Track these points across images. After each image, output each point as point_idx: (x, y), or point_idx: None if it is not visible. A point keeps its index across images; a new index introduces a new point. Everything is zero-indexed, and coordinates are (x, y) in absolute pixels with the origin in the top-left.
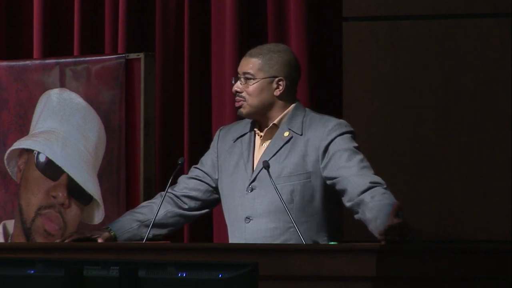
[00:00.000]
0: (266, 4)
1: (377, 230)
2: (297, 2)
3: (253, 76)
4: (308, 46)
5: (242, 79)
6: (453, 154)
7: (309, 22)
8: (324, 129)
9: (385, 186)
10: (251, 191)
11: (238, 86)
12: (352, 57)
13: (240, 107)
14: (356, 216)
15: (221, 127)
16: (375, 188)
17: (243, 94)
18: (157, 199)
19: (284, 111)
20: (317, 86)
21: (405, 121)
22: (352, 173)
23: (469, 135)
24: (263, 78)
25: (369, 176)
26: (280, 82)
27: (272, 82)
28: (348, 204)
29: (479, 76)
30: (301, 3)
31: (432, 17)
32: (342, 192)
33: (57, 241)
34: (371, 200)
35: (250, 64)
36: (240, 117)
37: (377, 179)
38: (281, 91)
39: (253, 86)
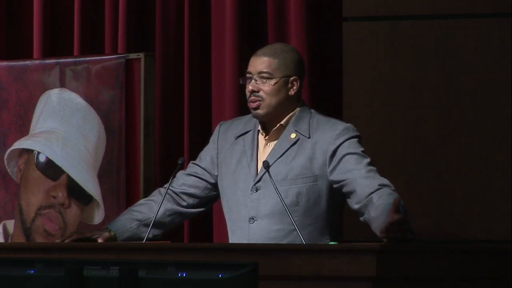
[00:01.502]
0: (266, 4)
1: (379, 228)
2: (297, 2)
3: (271, 75)
4: (308, 46)
5: (257, 79)
6: (453, 154)
7: (309, 22)
8: (332, 133)
9: (393, 188)
10: (256, 191)
11: (253, 85)
12: (352, 57)
13: (257, 108)
14: (361, 218)
15: (221, 122)
16: (383, 189)
17: (260, 93)
18: (155, 196)
19: (291, 112)
20: (317, 86)
21: (405, 121)
22: (360, 175)
23: (469, 135)
24: (281, 77)
25: (378, 179)
26: (294, 82)
27: (287, 81)
28: (356, 206)
29: (479, 76)
30: (301, 3)
31: (432, 17)
32: (350, 194)
33: (57, 241)
34: (377, 200)
35: (266, 63)
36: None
37: (385, 181)
38: (295, 91)
39: (272, 86)
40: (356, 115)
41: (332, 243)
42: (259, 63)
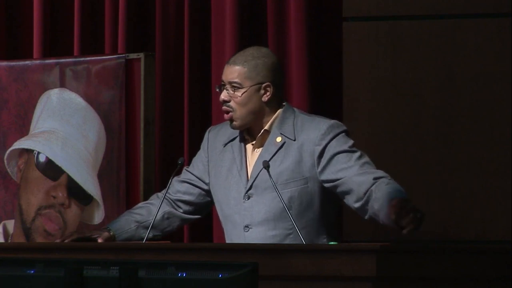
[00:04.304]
0: (266, 4)
1: (387, 217)
2: (297, 2)
3: (240, 85)
4: (308, 46)
5: (228, 88)
6: (453, 154)
7: (309, 22)
8: (317, 132)
9: (389, 178)
10: (248, 199)
11: (225, 95)
12: (352, 57)
13: (231, 120)
14: (366, 216)
15: (210, 128)
16: (379, 181)
17: (231, 103)
18: (153, 200)
19: (273, 115)
20: (317, 86)
21: (405, 121)
22: (354, 173)
23: (469, 135)
24: (250, 86)
25: (372, 173)
26: (268, 88)
27: (259, 89)
28: (357, 205)
29: (479, 76)
30: (301, 3)
31: (432, 17)
32: (345, 194)
33: (57, 241)
34: (376, 193)
35: (235, 72)
36: None
37: (380, 173)
38: (268, 97)
39: (241, 96)
40: (356, 115)
41: (332, 243)
42: (229, 72)
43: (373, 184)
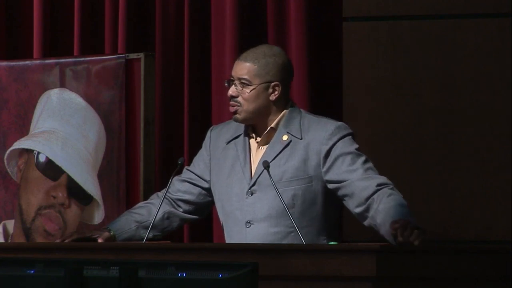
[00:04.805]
0: (266, 4)
1: (388, 235)
2: (297, 1)
3: (250, 82)
4: (308, 46)
5: (237, 84)
6: (453, 154)
7: (309, 22)
8: (324, 133)
9: (391, 186)
10: (251, 195)
11: (233, 90)
12: (352, 57)
13: (235, 112)
14: (365, 223)
15: (212, 127)
16: (382, 190)
17: (239, 99)
18: (153, 200)
19: (280, 114)
20: (317, 86)
21: (405, 121)
22: (357, 177)
23: (469, 135)
24: (259, 84)
25: (375, 178)
26: (276, 87)
27: (268, 87)
28: (357, 210)
29: (479, 76)
30: (301, 2)
31: (432, 17)
32: (347, 197)
33: (57, 241)
34: (379, 203)
35: (245, 69)
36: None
37: (383, 180)
38: (276, 96)
39: (249, 92)
40: (356, 115)
41: (332, 243)
42: (240, 68)
43: (375, 192)
